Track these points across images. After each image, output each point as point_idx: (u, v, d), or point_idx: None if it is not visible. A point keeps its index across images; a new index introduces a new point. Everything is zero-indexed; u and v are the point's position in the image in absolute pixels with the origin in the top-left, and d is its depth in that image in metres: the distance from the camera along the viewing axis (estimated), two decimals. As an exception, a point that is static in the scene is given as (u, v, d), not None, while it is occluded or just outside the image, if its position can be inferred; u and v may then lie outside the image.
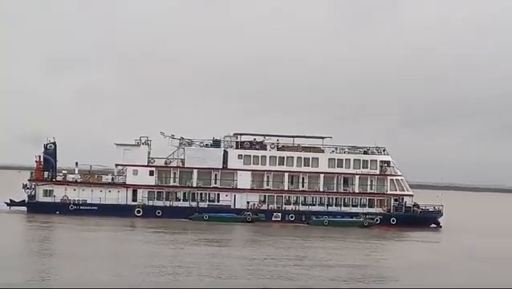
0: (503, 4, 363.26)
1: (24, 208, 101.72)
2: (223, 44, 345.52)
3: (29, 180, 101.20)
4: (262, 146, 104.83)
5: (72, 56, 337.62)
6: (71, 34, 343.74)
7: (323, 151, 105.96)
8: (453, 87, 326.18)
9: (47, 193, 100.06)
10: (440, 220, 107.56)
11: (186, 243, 75.10)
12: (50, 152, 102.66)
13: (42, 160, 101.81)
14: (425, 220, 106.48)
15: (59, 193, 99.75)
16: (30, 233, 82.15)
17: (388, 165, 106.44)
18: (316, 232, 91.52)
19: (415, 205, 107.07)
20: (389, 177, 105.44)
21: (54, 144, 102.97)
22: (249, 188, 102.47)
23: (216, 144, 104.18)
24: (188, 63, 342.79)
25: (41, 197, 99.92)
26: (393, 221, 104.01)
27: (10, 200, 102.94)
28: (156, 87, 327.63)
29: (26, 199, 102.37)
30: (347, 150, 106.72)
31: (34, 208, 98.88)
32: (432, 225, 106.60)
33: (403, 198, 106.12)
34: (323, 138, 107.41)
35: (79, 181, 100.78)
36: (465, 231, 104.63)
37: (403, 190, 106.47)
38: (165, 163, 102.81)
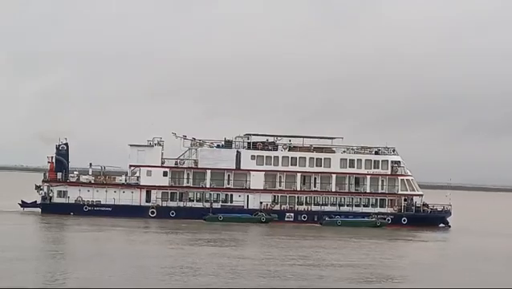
0: (473, 6, 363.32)
1: (37, 209, 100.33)
2: (194, 42, 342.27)
3: (43, 181, 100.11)
4: (274, 147, 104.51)
5: (42, 56, 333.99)
6: (41, 34, 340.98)
7: (333, 151, 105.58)
8: (422, 87, 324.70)
9: (61, 194, 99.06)
10: (448, 219, 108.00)
11: (206, 243, 74.68)
12: (63, 153, 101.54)
13: (54, 161, 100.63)
14: (435, 220, 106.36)
15: (73, 194, 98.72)
16: (47, 234, 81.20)
17: (399, 165, 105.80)
18: (331, 232, 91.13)
19: (424, 204, 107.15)
20: (400, 177, 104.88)
21: (67, 144, 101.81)
22: (261, 188, 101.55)
23: (227, 144, 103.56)
24: (162, 63, 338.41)
25: (55, 198, 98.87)
26: (404, 220, 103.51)
27: (22, 201, 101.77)
28: (130, 87, 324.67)
29: (39, 200, 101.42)
30: (356, 150, 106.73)
31: (49, 209, 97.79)
32: (441, 225, 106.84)
33: (412, 198, 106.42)
34: (332, 139, 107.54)
35: (92, 182, 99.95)
36: (473, 231, 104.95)
37: (413, 190, 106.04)
38: (175, 163, 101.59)
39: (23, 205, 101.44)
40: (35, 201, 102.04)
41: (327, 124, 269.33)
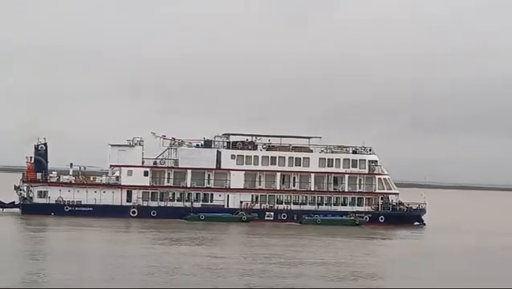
0: (431, 7, 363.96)
1: (16, 210, 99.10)
2: (147, 40, 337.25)
3: (23, 181, 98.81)
4: (254, 146, 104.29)
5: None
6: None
7: (311, 151, 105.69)
8: (375, 87, 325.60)
9: (42, 194, 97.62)
10: (423, 218, 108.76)
11: (186, 243, 74.34)
12: (42, 153, 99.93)
13: (34, 161, 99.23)
14: (410, 218, 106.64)
15: (54, 195, 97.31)
16: (28, 235, 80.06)
17: (376, 164, 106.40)
18: (312, 231, 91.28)
19: (400, 203, 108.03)
20: (377, 176, 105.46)
21: (45, 144, 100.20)
22: (242, 188, 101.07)
23: (207, 144, 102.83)
24: (111, 62, 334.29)
25: (36, 199, 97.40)
26: (381, 219, 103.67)
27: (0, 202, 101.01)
28: (80, 87, 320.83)
29: (17, 201, 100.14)
30: (333, 150, 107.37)
31: (29, 209, 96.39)
32: (416, 223, 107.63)
33: (388, 197, 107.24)
34: (309, 138, 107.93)
35: (73, 182, 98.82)
36: (447, 229, 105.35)
37: (390, 189, 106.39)
38: (154, 163, 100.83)
39: (2, 205, 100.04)
40: (13, 202, 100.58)
41: (282, 122, 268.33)
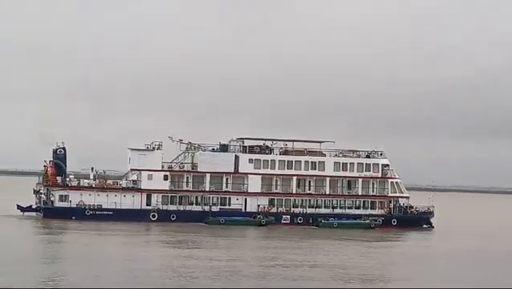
0: (391, 6, 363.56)
1: (33, 213, 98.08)
2: (99, 42, 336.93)
3: (44, 185, 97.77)
4: (270, 150, 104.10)
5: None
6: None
7: (324, 155, 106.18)
8: (332, 88, 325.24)
9: (63, 198, 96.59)
10: (431, 220, 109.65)
11: (209, 246, 73.70)
12: (61, 157, 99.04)
13: (53, 165, 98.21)
14: (420, 221, 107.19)
15: (75, 199, 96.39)
16: (54, 239, 78.61)
17: (388, 168, 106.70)
18: (332, 234, 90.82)
19: (410, 206, 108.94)
20: (390, 180, 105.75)
21: (64, 148, 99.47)
22: (259, 191, 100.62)
23: (223, 148, 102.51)
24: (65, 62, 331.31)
25: (57, 203, 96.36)
26: (394, 222, 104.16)
27: (17, 205, 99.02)
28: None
29: (34, 204, 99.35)
30: (346, 153, 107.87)
31: (51, 213, 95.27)
32: (425, 226, 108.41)
33: (398, 200, 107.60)
34: (321, 142, 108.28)
35: (94, 186, 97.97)
36: (456, 232, 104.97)
37: (401, 192, 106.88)
38: (169, 167, 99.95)
39: (22, 209, 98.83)
40: (31, 206, 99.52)
41: (228, 121, 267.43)
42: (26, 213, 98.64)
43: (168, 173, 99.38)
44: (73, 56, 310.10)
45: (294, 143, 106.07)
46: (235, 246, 77.58)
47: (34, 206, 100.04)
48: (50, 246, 72.67)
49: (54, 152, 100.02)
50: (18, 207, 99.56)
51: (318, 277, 55.01)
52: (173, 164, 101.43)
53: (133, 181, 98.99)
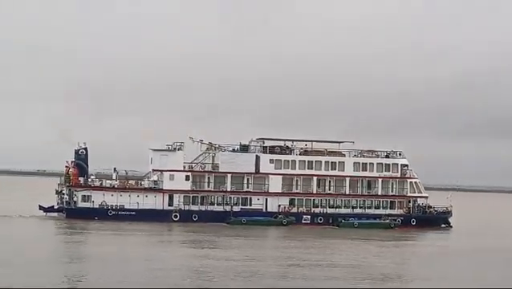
0: (391, 6, 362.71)
1: (54, 214, 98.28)
2: (99, 42, 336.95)
3: (67, 186, 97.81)
4: (290, 151, 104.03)
5: None
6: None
7: (344, 155, 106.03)
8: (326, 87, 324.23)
9: (86, 198, 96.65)
10: (449, 220, 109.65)
11: (235, 247, 73.47)
12: (82, 158, 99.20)
13: (76, 165, 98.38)
14: (439, 220, 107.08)
15: (98, 199, 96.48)
16: (81, 239, 78.74)
17: (407, 168, 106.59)
18: (353, 234, 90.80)
19: (428, 206, 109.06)
20: (409, 180, 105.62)
21: (86, 149, 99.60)
22: (280, 191, 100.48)
23: (243, 149, 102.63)
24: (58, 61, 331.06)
25: (80, 203, 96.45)
26: (413, 221, 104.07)
27: (39, 206, 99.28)
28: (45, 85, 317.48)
29: (56, 205, 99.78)
30: (365, 154, 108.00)
31: (73, 214, 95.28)
32: (443, 225, 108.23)
33: (416, 200, 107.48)
34: (340, 142, 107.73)
35: (116, 186, 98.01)
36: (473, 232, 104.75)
37: (420, 192, 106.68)
38: (189, 167, 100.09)
39: (45, 209, 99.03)
40: (53, 206, 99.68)
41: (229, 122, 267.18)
42: (49, 214, 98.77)
43: (189, 174, 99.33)
44: (73, 56, 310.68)
45: (313, 143, 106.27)
46: (257, 246, 77.48)
47: (55, 207, 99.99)
48: (74, 246, 72.86)
49: (76, 152, 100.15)
50: (41, 207, 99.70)
51: (343, 277, 55.07)
52: (194, 165, 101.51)
53: (154, 181, 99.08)
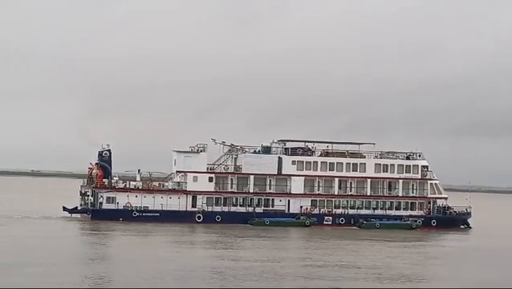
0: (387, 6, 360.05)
1: (78, 215, 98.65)
2: (94, 41, 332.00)
3: (92, 187, 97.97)
4: (312, 152, 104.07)
5: None
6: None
7: (364, 156, 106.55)
8: (320, 87, 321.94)
9: (110, 200, 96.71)
10: (468, 221, 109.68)
11: (260, 247, 73.88)
12: (106, 160, 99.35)
13: (100, 167, 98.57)
14: (458, 221, 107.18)
15: (122, 200, 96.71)
16: (102, 240, 79.48)
17: (428, 170, 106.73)
18: (377, 235, 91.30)
19: (448, 207, 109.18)
20: (429, 181, 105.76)
21: (109, 151, 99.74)
22: (302, 193, 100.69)
23: (265, 150, 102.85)
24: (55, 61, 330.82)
25: (104, 205, 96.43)
26: (433, 222, 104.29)
27: (64, 207, 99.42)
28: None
29: (79, 206, 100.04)
30: (385, 155, 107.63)
31: (98, 215, 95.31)
32: (462, 226, 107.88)
33: (436, 201, 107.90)
34: (360, 144, 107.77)
35: (140, 187, 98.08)
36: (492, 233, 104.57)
37: (440, 193, 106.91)
38: (210, 169, 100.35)
39: (69, 211, 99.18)
40: (76, 207, 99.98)
41: (216, 123, 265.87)
42: (73, 215, 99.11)
43: (212, 175, 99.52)
44: (71, 56, 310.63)
45: (334, 145, 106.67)
46: (282, 247, 77.49)
47: (79, 208, 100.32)
48: (101, 247, 73.36)
49: (100, 154, 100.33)
50: (65, 209, 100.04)
51: (365, 277, 55.31)
52: (216, 166, 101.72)
53: (178, 182, 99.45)
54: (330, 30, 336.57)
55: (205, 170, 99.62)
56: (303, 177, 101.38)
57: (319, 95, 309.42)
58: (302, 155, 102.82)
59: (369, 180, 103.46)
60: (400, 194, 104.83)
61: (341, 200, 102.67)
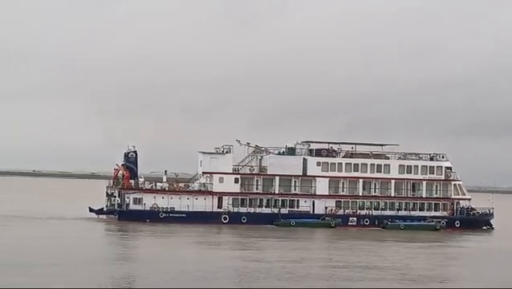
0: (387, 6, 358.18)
1: (103, 216, 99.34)
2: (94, 41, 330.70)
3: (119, 188, 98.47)
4: (336, 153, 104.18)
5: None
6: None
7: (388, 157, 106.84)
8: (319, 87, 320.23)
9: (137, 201, 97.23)
10: (491, 222, 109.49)
11: (290, 248, 74.03)
12: (132, 161, 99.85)
13: (127, 168, 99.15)
14: (481, 222, 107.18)
15: (149, 201, 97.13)
16: (129, 240, 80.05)
17: (451, 171, 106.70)
18: (400, 235, 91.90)
19: (471, 208, 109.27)
20: (453, 182, 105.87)
21: (135, 152, 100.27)
22: (326, 194, 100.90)
23: (290, 151, 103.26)
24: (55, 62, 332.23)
25: (131, 205, 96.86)
26: (457, 224, 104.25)
27: (89, 208, 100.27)
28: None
29: (105, 207, 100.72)
30: (409, 157, 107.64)
31: (125, 216, 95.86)
32: (484, 227, 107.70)
33: (459, 202, 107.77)
34: (382, 145, 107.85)
35: (166, 188, 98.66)
36: None
37: (463, 195, 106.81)
38: (234, 170, 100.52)
39: (96, 212, 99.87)
40: (102, 208, 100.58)
41: (217, 123, 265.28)
42: (100, 216, 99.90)
43: (238, 176, 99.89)
44: (71, 56, 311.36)
45: (357, 146, 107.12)
46: (308, 248, 77.78)
47: (104, 209, 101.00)
48: (129, 247, 73.87)
49: (126, 155, 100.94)
50: (91, 210, 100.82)
51: (392, 279, 55.27)
52: (241, 167, 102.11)
53: (204, 183, 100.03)
54: (330, 30, 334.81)
55: (231, 171, 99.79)
56: (328, 178, 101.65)
57: (319, 95, 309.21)
58: (326, 156, 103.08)
59: (393, 181, 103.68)
60: (424, 195, 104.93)
61: (365, 201, 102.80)
